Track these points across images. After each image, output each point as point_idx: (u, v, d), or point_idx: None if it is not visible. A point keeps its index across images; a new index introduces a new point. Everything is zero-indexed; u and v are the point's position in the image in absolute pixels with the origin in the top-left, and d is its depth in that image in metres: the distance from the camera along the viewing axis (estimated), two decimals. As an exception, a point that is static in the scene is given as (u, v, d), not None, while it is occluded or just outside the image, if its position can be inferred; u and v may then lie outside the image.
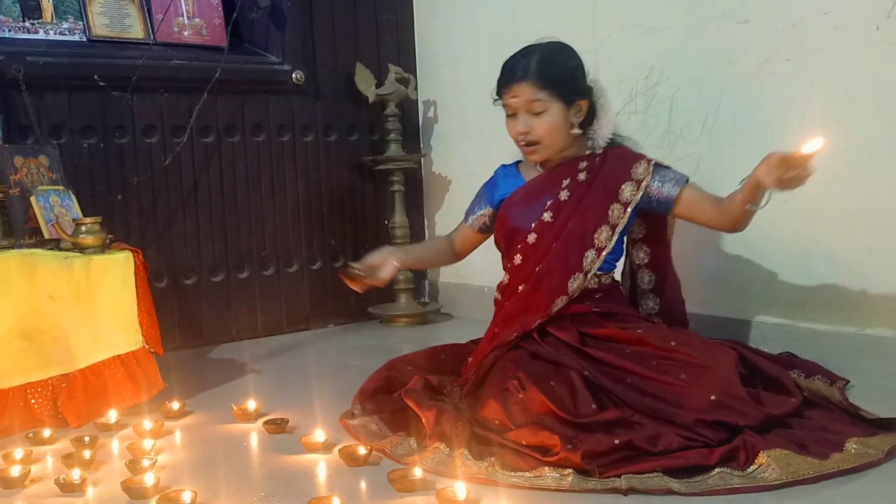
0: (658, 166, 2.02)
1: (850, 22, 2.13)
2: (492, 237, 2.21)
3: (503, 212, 2.13)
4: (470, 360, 2.04)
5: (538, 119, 2.00)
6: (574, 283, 1.98)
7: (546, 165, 2.10)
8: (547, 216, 2.02)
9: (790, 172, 1.71)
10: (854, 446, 1.59)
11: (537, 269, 2.01)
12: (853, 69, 2.14)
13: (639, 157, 2.03)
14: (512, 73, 2.01)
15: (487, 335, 2.07)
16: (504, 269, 2.13)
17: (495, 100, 2.07)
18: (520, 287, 2.03)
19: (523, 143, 2.03)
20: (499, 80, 2.05)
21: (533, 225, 2.04)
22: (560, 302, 1.97)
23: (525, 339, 1.94)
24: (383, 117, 3.30)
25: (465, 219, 2.27)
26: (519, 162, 2.19)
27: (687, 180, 2.01)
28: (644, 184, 1.99)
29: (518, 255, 2.05)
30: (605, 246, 1.99)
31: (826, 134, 2.14)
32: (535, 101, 1.98)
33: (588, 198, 2.01)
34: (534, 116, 2.00)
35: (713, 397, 1.69)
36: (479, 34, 3.21)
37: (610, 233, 2.00)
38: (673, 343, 1.83)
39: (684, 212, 2.02)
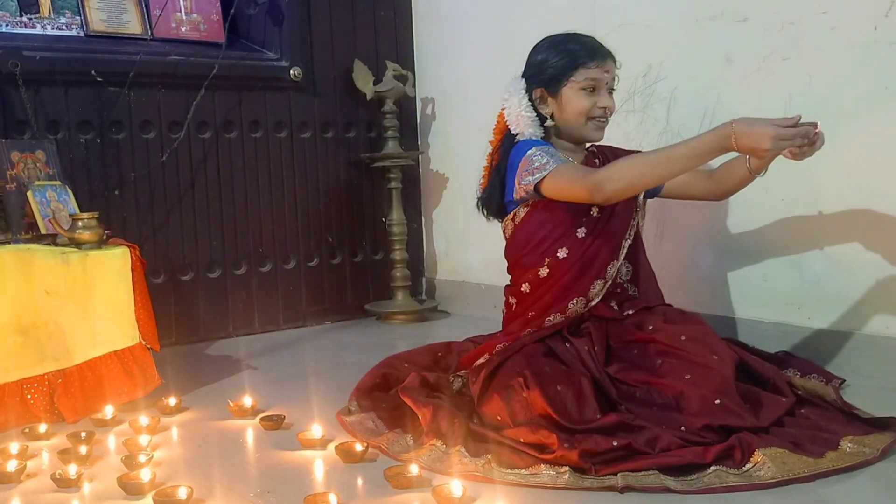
0: None
1: (849, 21, 2.14)
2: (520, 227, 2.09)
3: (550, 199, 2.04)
4: (482, 348, 2.03)
5: (610, 98, 2.04)
6: (612, 270, 2.01)
7: (569, 156, 2.06)
8: (594, 211, 2.00)
9: (798, 141, 1.73)
10: (849, 445, 1.60)
11: (581, 259, 2.00)
12: (851, 69, 2.14)
13: (623, 151, 2.11)
14: (602, 49, 2.02)
15: (519, 320, 2.05)
16: (525, 264, 2.05)
17: (562, 73, 2.00)
18: (563, 277, 2.01)
19: (602, 118, 2.03)
20: (582, 53, 2.00)
21: (584, 219, 2.01)
22: (598, 285, 2.00)
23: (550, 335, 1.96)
24: (381, 114, 3.30)
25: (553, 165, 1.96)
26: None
27: None
28: None
29: (563, 249, 2.00)
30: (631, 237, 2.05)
31: (823, 134, 2.15)
32: (615, 79, 2.03)
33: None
34: (608, 95, 2.03)
35: (717, 401, 1.69)
36: (477, 32, 3.21)
37: (636, 224, 2.07)
38: (683, 338, 1.84)
39: (677, 191, 2.08)
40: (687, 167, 1.81)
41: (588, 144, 2.12)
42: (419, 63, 3.48)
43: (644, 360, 1.84)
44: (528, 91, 2.05)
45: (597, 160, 2.10)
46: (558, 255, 2.01)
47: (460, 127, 3.33)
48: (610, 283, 2.03)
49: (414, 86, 3.42)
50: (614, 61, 2.04)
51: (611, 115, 2.06)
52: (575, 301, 2.00)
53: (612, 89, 2.05)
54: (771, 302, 2.34)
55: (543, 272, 2.02)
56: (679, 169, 1.80)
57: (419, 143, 3.52)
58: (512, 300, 2.12)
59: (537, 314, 2.03)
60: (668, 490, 1.48)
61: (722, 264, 2.46)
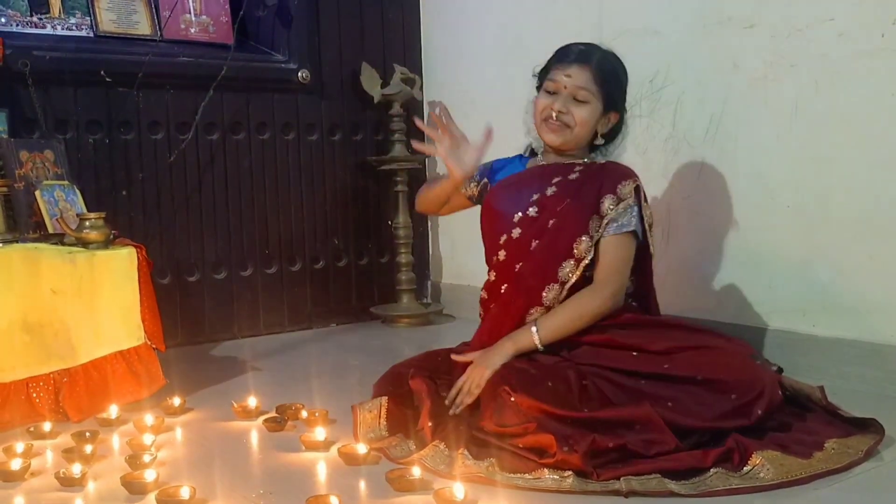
0: (637, 195, 1.96)
1: (856, 28, 2.13)
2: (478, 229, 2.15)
3: (491, 193, 2.09)
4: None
5: (577, 106, 1.97)
6: (549, 294, 1.92)
7: (548, 159, 2.08)
8: (532, 211, 1.98)
9: None
10: (833, 447, 1.63)
11: (517, 267, 1.97)
12: (858, 76, 2.14)
13: (629, 175, 1.98)
14: (573, 54, 1.99)
15: (475, 342, 2.03)
16: (488, 264, 2.07)
17: (540, 74, 2.04)
18: (503, 287, 2.00)
19: (555, 120, 1.97)
20: (553, 58, 2.02)
21: (518, 217, 1.98)
22: (535, 313, 1.93)
23: None
24: (388, 117, 3.31)
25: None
26: (530, 158, 2.14)
27: (633, 232, 1.94)
28: (624, 203, 1.93)
29: (502, 251, 2.00)
30: (584, 257, 1.91)
31: (829, 141, 2.16)
32: (583, 88, 1.96)
33: (573, 202, 1.95)
34: (574, 102, 1.97)
35: (734, 396, 1.69)
36: (485, 36, 3.21)
37: (590, 244, 1.92)
38: (666, 366, 1.79)
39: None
40: (441, 194, 2.22)
41: (586, 159, 2.06)
42: (427, 66, 3.49)
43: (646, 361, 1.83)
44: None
45: (578, 167, 2.01)
46: (499, 255, 2.02)
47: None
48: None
49: (421, 89, 3.42)
50: (591, 72, 1.95)
51: (574, 124, 1.96)
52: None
53: (579, 99, 1.96)
54: (776, 309, 2.34)
55: (491, 276, 2.06)
56: (438, 194, 2.22)
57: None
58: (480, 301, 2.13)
59: (483, 340, 1.98)
60: (672, 494, 1.49)
61: (727, 270, 2.45)
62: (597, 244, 1.93)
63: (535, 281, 1.94)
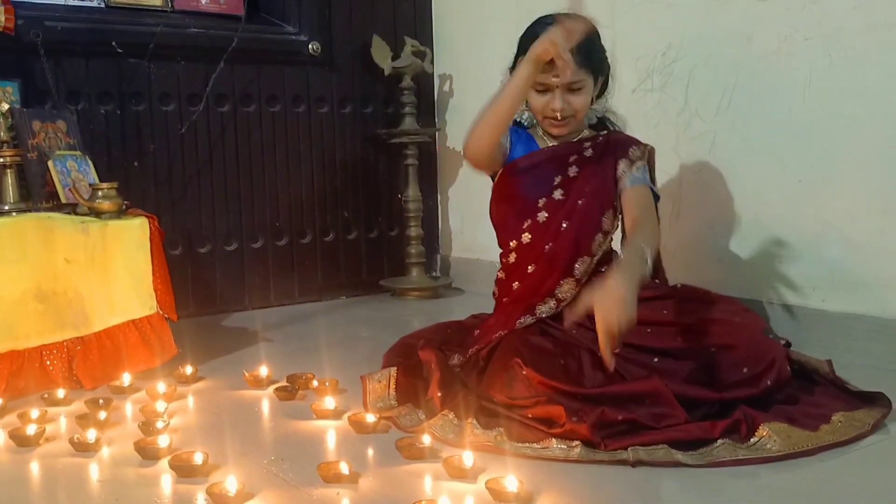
0: (650, 156, 2.04)
1: (871, 1, 2.11)
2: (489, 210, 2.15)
3: (507, 178, 2.07)
4: (477, 333, 2.01)
5: (574, 95, 1.97)
6: (581, 267, 1.96)
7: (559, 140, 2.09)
8: (557, 194, 2.00)
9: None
10: (840, 419, 1.64)
11: (546, 247, 1.98)
12: (872, 49, 2.12)
13: (635, 142, 2.04)
14: None
15: (498, 316, 2.03)
16: (504, 246, 2.07)
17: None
18: (529, 267, 2.00)
19: (558, 118, 1.99)
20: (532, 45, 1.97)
21: (542, 202, 2.01)
22: (565, 284, 1.96)
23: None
24: (398, 90, 3.30)
25: None
26: (529, 130, 2.13)
27: (649, 187, 2.01)
28: (636, 165, 1.99)
29: (526, 234, 2.01)
30: (611, 230, 1.99)
31: (842, 115, 2.15)
32: (576, 80, 1.95)
33: (596, 177, 1.99)
34: (570, 93, 1.97)
35: (745, 370, 1.70)
36: (496, 9, 3.19)
37: (612, 215, 1.99)
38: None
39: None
40: (513, 104, 1.93)
41: (585, 128, 2.09)
42: (437, 39, 3.48)
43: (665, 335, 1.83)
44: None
45: (587, 143, 2.04)
46: (522, 239, 2.02)
47: (478, 104, 3.26)
48: (585, 280, 1.95)
49: (432, 62, 3.41)
50: (575, 58, 1.86)
51: (575, 112, 1.98)
52: (543, 303, 1.94)
53: (574, 88, 1.95)
54: (786, 284, 2.34)
55: (511, 258, 2.05)
56: (508, 107, 1.93)
57: (436, 119, 3.51)
58: (496, 280, 2.13)
59: (507, 314, 1.97)
60: (679, 464, 1.50)
61: (737, 245, 2.45)
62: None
63: (567, 256, 1.97)
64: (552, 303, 1.94)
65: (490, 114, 1.94)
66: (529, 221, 2.01)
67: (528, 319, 1.92)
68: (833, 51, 2.20)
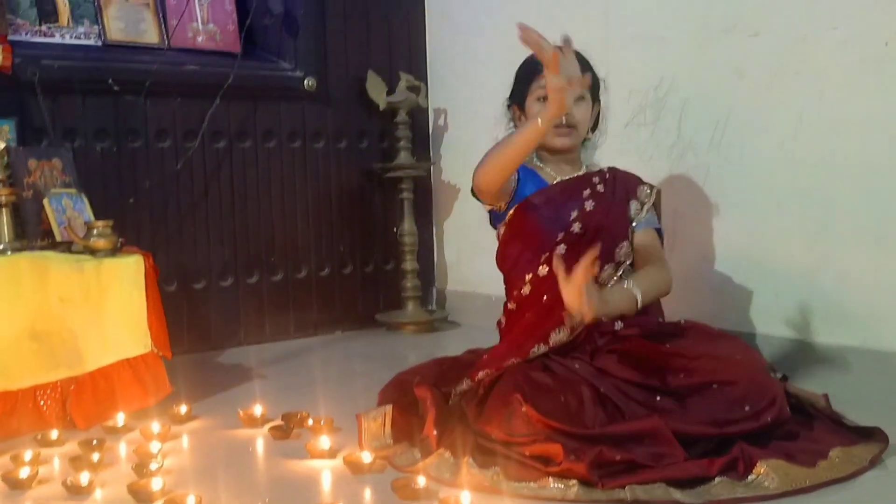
0: (657, 197, 2.14)
1: (860, 37, 2.14)
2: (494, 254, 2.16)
3: (523, 215, 2.07)
4: (486, 357, 1.97)
5: (577, 106, 2.02)
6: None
7: (559, 171, 2.10)
8: (576, 227, 2.02)
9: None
10: (838, 455, 1.63)
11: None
12: (862, 84, 2.14)
13: (641, 180, 2.13)
14: None
15: (509, 345, 2.01)
16: (517, 280, 2.06)
17: (518, 91, 2.10)
18: (544, 297, 1.99)
19: (564, 124, 2.01)
20: (529, 71, 2.07)
21: (561, 235, 2.02)
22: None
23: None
24: (393, 125, 3.32)
25: None
26: (532, 168, 2.14)
27: (657, 229, 2.12)
28: (647, 206, 2.09)
29: (543, 267, 2.01)
30: (625, 262, 2.04)
31: (834, 149, 2.17)
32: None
33: (613, 213, 2.06)
34: (573, 102, 1.97)
35: (747, 408, 1.69)
36: (490, 44, 3.22)
37: (629, 248, 2.05)
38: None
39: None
40: (525, 151, 1.92)
41: (583, 166, 2.14)
42: (432, 74, 3.50)
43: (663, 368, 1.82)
44: (509, 110, 2.15)
45: (596, 178, 2.09)
46: (539, 272, 2.02)
47: (472, 138, 3.33)
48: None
49: (427, 96, 3.43)
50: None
51: (579, 125, 2.05)
52: (557, 331, 1.92)
53: (578, 98, 2.00)
54: (781, 316, 2.34)
55: (526, 290, 2.05)
56: (521, 151, 1.91)
57: (431, 153, 3.53)
58: (505, 312, 2.13)
59: (519, 343, 1.96)
60: (676, 503, 1.49)
61: (732, 278, 2.46)
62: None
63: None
64: (566, 330, 1.92)
65: (502, 157, 1.94)
66: (548, 255, 2.00)
67: (542, 348, 1.91)
68: (823, 85, 2.22)
